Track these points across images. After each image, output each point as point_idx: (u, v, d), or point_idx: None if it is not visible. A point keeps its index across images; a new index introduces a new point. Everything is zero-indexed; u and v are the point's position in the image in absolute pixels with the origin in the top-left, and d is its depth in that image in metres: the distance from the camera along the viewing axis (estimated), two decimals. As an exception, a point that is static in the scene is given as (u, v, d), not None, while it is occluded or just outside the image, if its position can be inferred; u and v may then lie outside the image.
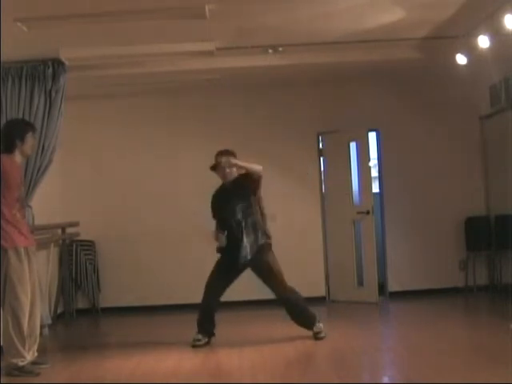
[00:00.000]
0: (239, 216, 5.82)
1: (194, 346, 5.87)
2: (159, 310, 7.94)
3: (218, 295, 6.12)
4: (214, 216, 6.02)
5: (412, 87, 8.12)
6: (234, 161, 5.80)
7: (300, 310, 6.00)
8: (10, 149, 5.16)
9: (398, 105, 8.17)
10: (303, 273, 7.70)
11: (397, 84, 8.07)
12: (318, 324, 6.00)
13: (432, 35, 6.17)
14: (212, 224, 6.04)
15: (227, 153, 5.92)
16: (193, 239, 8.11)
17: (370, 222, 7.90)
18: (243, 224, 5.80)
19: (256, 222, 5.89)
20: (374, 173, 8.39)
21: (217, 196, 6.02)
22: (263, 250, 5.88)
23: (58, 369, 5.31)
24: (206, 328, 6.03)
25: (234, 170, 5.91)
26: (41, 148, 5.99)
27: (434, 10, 5.49)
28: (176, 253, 8.12)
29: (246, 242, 5.79)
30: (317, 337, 5.92)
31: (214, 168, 5.93)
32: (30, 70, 6.09)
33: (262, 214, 6.08)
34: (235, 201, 5.84)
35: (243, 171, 5.87)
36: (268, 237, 5.96)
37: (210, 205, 6.02)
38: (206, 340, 5.97)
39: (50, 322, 6.92)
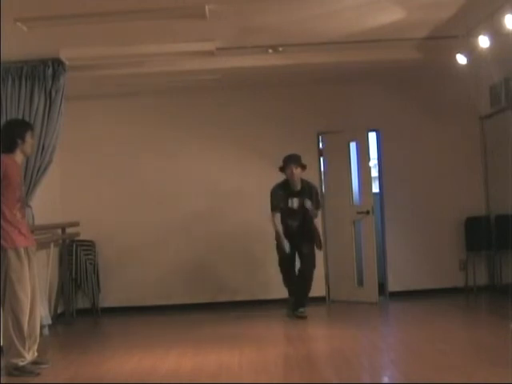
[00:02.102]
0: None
1: (300, 317, 6.89)
2: (159, 310, 7.94)
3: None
4: (275, 207, 6.99)
5: (412, 87, 8.12)
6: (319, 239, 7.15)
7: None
8: (11, 148, 5.16)
9: (398, 105, 8.17)
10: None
11: (397, 84, 8.07)
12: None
13: (432, 35, 6.17)
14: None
15: (295, 158, 6.97)
16: (193, 239, 8.12)
17: (370, 222, 7.90)
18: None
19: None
20: (374, 173, 8.39)
21: (283, 193, 7.03)
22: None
23: (58, 369, 5.30)
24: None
25: (299, 170, 6.97)
26: (41, 148, 5.99)
27: (434, 10, 5.49)
28: (176, 253, 8.12)
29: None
30: (299, 315, 6.90)
31: (282, 169, 7.03)
32: (30, 69, 6.10)
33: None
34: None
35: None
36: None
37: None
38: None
39: (49, 322, 6.92)
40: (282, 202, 6.99)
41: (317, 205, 7.20)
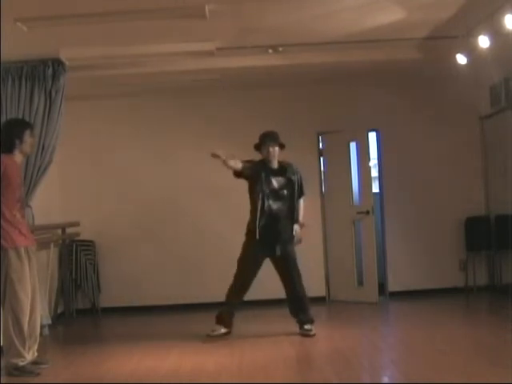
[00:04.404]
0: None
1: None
2: (159, 310, 7.94)
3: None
4: (240, 174, 6.23)
5: (412, 87, 8.12)
6: (300, 230, 6.34)
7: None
8: (9, 149, 5.16)
9: (398, 105, 8.16)
10: (303, 273, 7.66)
11: (397, 84, 8.07)
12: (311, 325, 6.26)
13: (432, 35, 6.17)
14: None
15: (273, 136, 6.37)
16: (193, 239, 8.12)
17: (370, 222, 7.90)
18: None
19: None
20: (374, 173, 8.39)
21: (260, 171, 6.26)
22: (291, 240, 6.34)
23: (58, 369, 5.31)
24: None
25: (277, 150, 6.31)
26: (41, 148, 5.99)
27: (434, 10, 5.49)
28: (176, 253, 8.12)
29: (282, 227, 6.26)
30: (308, 334, 6.15)
31: (257, 148, 6.37)
32: (30, 69, 6.09)
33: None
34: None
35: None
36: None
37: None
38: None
39: (49, 321, 6.92)
40: (250, 170, 6.19)
41: (301, 191, 6.39)
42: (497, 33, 5.58)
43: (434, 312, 7.17)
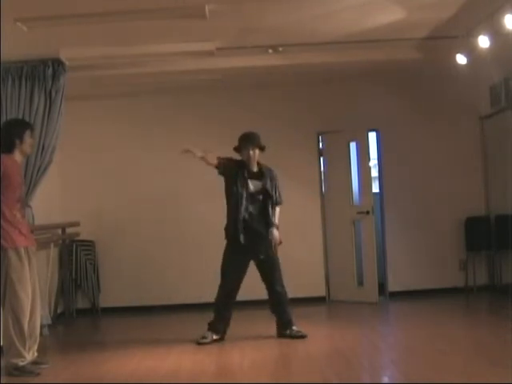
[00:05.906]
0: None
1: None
2: (159, 310, 7.95)
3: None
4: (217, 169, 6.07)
5: (412, 87, 8.12)
6: (277, 237, 6.14)
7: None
8: (9, 149, 5.16)
9: (398, 105, 8.17)
10: (303, 273, 7.71)
11: (397, 84, 8.07)
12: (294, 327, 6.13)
13: (432, 35, 6.18)
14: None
15: (253, 138, 6.08)
16: (193, 239, 8.12)
17: (370, 222, 7.90)
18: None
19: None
20: (374, 173, 8.40)
21: (237, 170, 6.06)
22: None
23: (58, 369, 5.31)
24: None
25: (257, 152, 6.08)
26: (41, 148, 6.00)
27: (434, 10, 5.50)
28: (176, 253, 8.13)
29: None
30: (299, 335, 6.02)
31: (237, 150, 6.14)
32: (30, 69, 6.10)
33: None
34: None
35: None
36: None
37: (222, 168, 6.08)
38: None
39: (49, 321, 6.92)
40: (224, 168, 6.01)
41: (277, 199, 6.21)
42: (497, 33, 5.59)
43: (434, 312, 7.17)
